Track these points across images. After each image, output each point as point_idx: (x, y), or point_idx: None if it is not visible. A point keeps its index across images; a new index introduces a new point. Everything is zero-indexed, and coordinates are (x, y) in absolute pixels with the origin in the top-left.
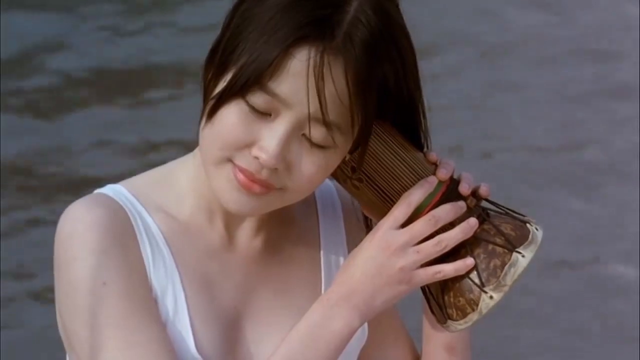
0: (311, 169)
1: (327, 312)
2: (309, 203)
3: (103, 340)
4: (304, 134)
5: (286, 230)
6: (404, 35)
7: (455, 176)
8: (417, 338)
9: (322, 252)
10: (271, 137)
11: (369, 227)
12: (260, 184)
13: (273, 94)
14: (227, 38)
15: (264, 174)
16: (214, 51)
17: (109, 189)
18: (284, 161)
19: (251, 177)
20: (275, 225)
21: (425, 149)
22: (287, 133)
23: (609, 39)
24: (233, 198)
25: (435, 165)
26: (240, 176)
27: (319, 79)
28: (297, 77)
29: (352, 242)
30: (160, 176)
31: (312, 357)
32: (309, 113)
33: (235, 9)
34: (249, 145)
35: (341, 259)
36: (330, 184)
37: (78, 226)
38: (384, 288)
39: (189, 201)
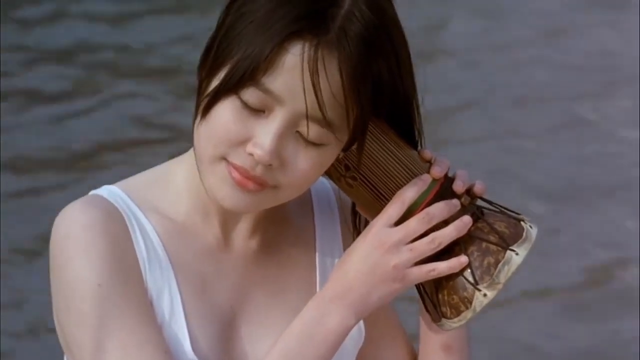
0: (305, 166)
1: (323, 310)
2: (305, 203)
3: (99, 342)
4: (298, 131)
5: (282, 230)
6: (398, 31)
7: (450, 174)
8: (414, 337)
9: (317, 253)
10: (265, 133)
11: (357, 229)
12: (254, 181)
13: (266, 91)
14: (221, 35)
15: (258, 171)
16: (208, 49)
17: (104, 190)
18: (278, 158)
19: (245, 174)
20: (271, 225)
21: (419, 147)
22: (281, 129)
23: None
24: (228, 194)
25: (430, 163)
26: (235, 174)
27: (314, 73)
28: (291, 72)
29: (348, 243)
30: (156, 177)
31: (309, 354)
32: (307, 107)
33: (229, 6)
34: (243, 142)
35: (337, 260)
36: (327, 184)
37: (73, 227)
38: (378, 286)
39: (184, 201)
